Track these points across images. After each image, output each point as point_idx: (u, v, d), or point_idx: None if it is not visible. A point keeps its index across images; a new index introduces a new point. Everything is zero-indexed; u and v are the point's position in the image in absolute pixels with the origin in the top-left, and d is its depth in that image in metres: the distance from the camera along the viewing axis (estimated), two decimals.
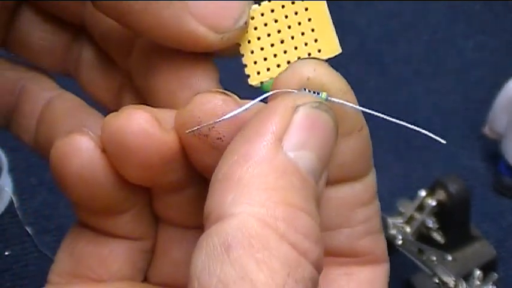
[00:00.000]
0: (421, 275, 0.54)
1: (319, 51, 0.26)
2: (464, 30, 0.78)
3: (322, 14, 0.26)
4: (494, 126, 0.64)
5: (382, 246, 0.24)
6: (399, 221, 0.52)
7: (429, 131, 0.78)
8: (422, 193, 0.53)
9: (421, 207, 0.52)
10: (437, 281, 0.50)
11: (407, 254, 0.51)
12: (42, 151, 0.29)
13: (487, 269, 0.53)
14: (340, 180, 0.24)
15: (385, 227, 0.51)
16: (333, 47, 0.27)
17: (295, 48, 0.26)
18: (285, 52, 0.26)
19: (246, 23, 0.25)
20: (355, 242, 0.24)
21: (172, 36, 0.24)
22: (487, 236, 0.60)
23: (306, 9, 0.26)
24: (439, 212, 0.53)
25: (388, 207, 0.62)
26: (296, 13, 0.26)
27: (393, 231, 0.51)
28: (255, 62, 0.27)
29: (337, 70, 0.23)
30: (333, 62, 0.80)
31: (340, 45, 0.27)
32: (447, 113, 0.71)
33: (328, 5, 0.27)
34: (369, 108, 0.24)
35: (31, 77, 0.29)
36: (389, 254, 0.56)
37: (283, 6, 0.26)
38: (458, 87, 0.73)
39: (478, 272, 0.50)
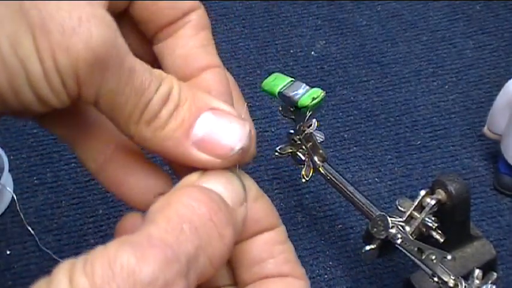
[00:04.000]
0: (420, 274, 0.54)
1: None
2: (464, 30, 0.78)
3: None
4: (493, 126, 0.64)
5: (300, 270, 0.31)
6: (399, 220, 0.52)
7: (429, 131, 0.78)
8: (422, 192, 0.53)
9: (420, 207, 0.52)
10: (436, 280, 0.50)
11: (407, 253, 0.51)
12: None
13: (487, 268, 0.53)
14: (261, 230, 0.31)
15: (385, 226, 0.51)
16: None
17: None
18: None
19: (242, 149, 0.29)
20: (279, 267, 0.31)
21: (179, 160, 0.29)
22: (486, 235, 0.60)
23: None
24: (439, 211, 0.53)
25: (388, 207, 0.62)
26: None
27: (393, 231, 0.51)
28: None
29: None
30: (332, 62, 0.81)
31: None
32: (447, 112, 0.71)
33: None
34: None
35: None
36: (389, 253, 0.56)
37: None
38: (458, 87, 0.73)
39: (477, 271, 0.50)
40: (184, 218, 0.27)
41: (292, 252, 0.32)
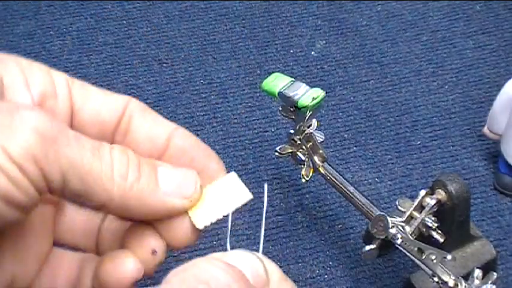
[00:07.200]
0: (420, 274, 0.54)
1: None
2: (464, 30, 0.78)
3: None
4: (493, 126, 0.64)
5: None
6: (399, 220, 0.52)
7: (429, 131, 0.78)
8: (422, 192, 0.53)
9: (420, 207, 0.52)
10: (436, 280, 0.50)
11: (407, 253, 0.51)
12: None
13: (487, 268, 0.53)
14: None
15: (385, 226, 0.51)
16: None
17: None
18: None
19: (200, 186, 0.32)
20: None
21: (158, 211, 0.31)
22: (486, 235, 0.60)
23: None
24: (439, 211, 0.53)
25: (388, 207, 0.62)
26: None
27: (393, 231, 0.51)
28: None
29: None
30: (332, 62, 0.81)
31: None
32: (447, 112, 0.71)
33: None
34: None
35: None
36: (389, 253, 0.56)
37: None
38: (458, 87, 0.73)
39: (477, 271, 0.50)
40: (201, 280, 0.26)
41: None
